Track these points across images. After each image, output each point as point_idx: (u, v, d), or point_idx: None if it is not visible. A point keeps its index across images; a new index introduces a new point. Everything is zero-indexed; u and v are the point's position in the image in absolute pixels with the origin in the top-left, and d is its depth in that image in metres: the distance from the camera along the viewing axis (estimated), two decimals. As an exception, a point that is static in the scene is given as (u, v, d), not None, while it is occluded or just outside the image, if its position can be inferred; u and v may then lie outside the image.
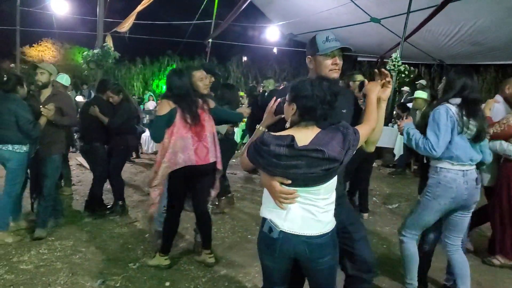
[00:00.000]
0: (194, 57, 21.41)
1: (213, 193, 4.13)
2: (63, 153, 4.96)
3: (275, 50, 20.21)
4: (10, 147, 4.49)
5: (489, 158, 3.42)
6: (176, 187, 3.91)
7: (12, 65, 17.25)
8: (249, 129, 8.92)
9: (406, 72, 9.47)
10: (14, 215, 4.85)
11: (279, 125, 2.25)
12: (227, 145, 5.60)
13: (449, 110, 3.08)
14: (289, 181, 2.06)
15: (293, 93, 2.14)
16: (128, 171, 8.42)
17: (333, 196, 2.21)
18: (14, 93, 4.55)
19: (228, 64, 21.36)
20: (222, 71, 19.86)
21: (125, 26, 12.25)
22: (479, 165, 3.33)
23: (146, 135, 10.94)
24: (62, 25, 15.95)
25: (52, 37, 16.49)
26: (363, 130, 2.23)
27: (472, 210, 3.31)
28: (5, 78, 4.66)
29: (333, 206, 2.22)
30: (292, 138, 2.02)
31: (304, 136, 2.07)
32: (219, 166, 4.00)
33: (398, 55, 9.40)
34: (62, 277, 3.83)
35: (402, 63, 9.56)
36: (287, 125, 2.17)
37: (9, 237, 4.65)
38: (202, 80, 4.03)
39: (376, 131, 2.40)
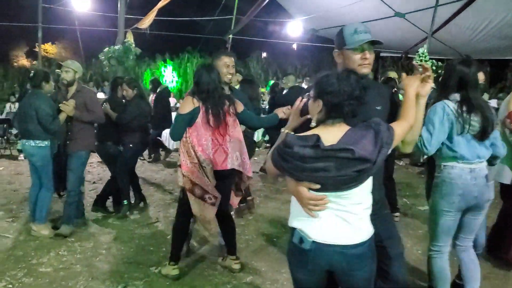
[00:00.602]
0: (214, 53, 21.28)
1: (236, 199, 3.95)
2: (90, 150, 4.87)
3: (294, 46, 20.00)
4: (32, 142, 4.55)
5: (502, 151, 3.12)
6: (186, 192, 3.63)
7: (35, 62, 17.43)
8: (267, 127, 8.75)
9: (434, 68, 9.13)
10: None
11: (307, 126, 2.03)
12: (245, 143, 5.47)
13: (446, 107, 2.84)
14: (318, 186, 1.87)
15: (318, 89, 1.94)
16: (148, 169, 8.33)
17: (368, 201, 2.00)
18: (39, 89, 4.61)
19: (248, 60, 21.16)
20: (242, 67, 19.69)
21: (146, 22, 12.11)
22: (493, 160, 3.07)
23: (167, 132, 10.86)
24: (82, 22, 15.96)
25: (73, 34, 16.48)
26: (399, 127, 2.01)
27: (485, 210, 3.05)
28: (31, 74, 4.71)
29: (369, 212, 2.01)
30: (318, 138, 1.83)
31: (332, 135, 1.88)
32: (249, 173, 3.76)
33: (425, 50, 9.08)
34: (81, 281, 3.69)
35: (429, 59, 9.24)
36: (313, 124, 1.98)
37: (46, 229, 4.68)
38: (227, 66, 3.77)
39: (414, 130, 2.18)
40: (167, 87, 10.78)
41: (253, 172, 7.59)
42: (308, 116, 2.05)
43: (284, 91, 7.66)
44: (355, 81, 1.89)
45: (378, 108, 2.24)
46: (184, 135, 3.54)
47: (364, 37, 2.15)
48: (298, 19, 15.67)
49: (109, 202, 5.68)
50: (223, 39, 17.58)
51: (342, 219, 1.93)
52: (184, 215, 3.74)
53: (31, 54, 18.80)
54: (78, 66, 4.78)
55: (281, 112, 3.80)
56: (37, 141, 4.53)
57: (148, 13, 12.64)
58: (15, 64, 19.12)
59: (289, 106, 3.91)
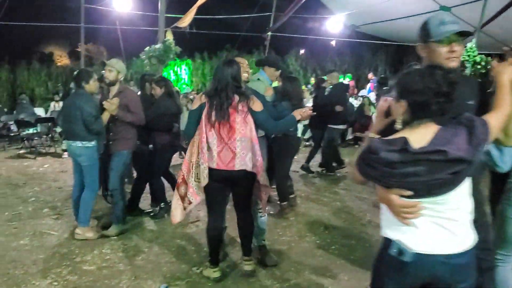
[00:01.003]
0: (252, 51, 21.20)
1: (261, 202, 3.76)
2: (132, 150, 4.83)
3: (333, 42, 19.70)
4: (79, 143, 4.52)
5: None
6: (209, 191, 3.52)
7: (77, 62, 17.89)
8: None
9: (483, 63, 8.75)
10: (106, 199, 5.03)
11: (391, 129, 1.88)
12: (288, 142, 5.30)
13: None
14: (409, 193, 1.74)
15: (401, 88, 1.81)
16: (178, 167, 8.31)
17: (469, 205, 1.85)
18: (83, 88, 4.58)
19: (287, 57, 20.97)
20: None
21: (185, 21, 12.16)
22: None
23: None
24: (123, 21, 16.21)
25: (114, 33, 16.80)
26: (494, 119, 1.83)
27: None
28: (75, 73, 4.70)
29: (471, 217, 1.86)
30: (405, 141, 1.70)
31: (421, 136, 1.74)
32: (259, 178, 3.51)
33: (474, 45, 8.72)
34: (124, 281, 3.69)
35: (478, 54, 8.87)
36: (398, 126, 1.84)
37: (91, 232, 4.67)
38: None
39: None
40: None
41: (293, 171, 7.51)
42: (393, 118, 1.91)
43: (327, 89, 7.49)
44: (441, 77, 1.74)
45: (470, 102, 2.10)
46: (197, 132, 3.48)
47: (451, 28, 2.00)
48: (338, 15, 15.43)
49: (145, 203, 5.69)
50: (262, 36, 17.54)
51: (441, 227, 1.79)
52: (213, 213, 3.66)
53: (74, 54, 19.23)
54: (122, 66, 4.73)
55: (298, 114, 3.65)
56: (84, 142, 4.50)
57: (187, 12, 12.73)
58: (59, 63, 19.62)
59: (308, 108, 3.76)
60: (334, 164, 7.74)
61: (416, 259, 1.78)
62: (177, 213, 3.62)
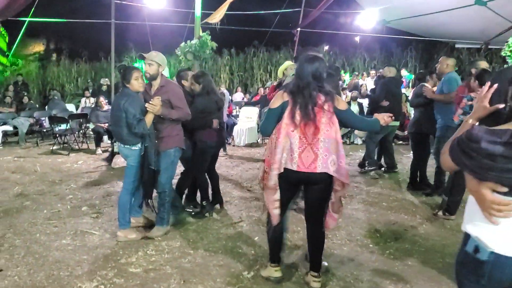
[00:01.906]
0: (280, 47, 20.97)
1: (332, 219, 3.44)
2: (180, 147, 4.61)
3: (357, 39, 19.32)
4: (127, 145, 4.34)
5: None
6: (282, 192, 3.33)
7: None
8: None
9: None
10: (133, 211, 4.71)
11: (494, 119, 1.70)
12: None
13: None
14: (505, 189, 1.57)
15: (509, 76, 1.63)
16: (224, 164, 8.18)
17: None
18: (128, 86, 4.34)
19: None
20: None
21: (217, 17, 12.03)
22: None
23: (238, 127, 10.75)
24: (152, 17, 16.17)
25: (143, 29, 16.79)
26: None
27: None
28: (121, 71, 4.47)
29: None
30: None
31: None
32: (346, 179, 3.24)
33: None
34: (173, 285, 3.52)
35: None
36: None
37: (133, 233, 4.54)
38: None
39: None
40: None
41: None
42: (500, 106, 1.72)
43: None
44: None
45: None
46: (274, 131, 3.29)
47: None
48: (368, 10, 15.10)
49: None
50: (291, 32, 17.31)
51: None
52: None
53: (101, 50, 19.26)
54: (162, 59, 4.49)
55: (382, 119, 3.46)
56: (131, 146, 4.32)
57: (218, 8, 12.59)
58: (87, 59, 19.72)
59: (392, 115, 3.54)
60: (379, 163, 7.55)
61: (494, 259, 1.64)
62: (276, 212, 3.36)
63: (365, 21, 15.46)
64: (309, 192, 3.36)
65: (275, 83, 7.85)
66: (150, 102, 4.28)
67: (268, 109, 3.34)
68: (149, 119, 4.25)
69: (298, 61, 3.38)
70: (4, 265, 3.90)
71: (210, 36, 7.91)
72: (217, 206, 5.50)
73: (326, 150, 3.16)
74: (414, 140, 6.30)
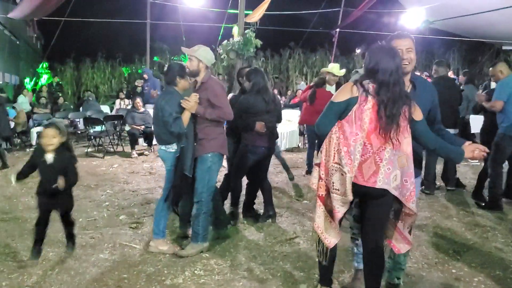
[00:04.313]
0: (317, 49, 20.39)
1: (402, 242, 2.85)
2: (220, 152, 4.09)
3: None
4: (163, 147, 3.98)
5: None
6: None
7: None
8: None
9: None
10: (180, 220, 4.37)
11: None
12: None
13: None
14: None
15: None
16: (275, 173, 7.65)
17: None
18: (173, 85, 3.98)
19: (354, 55, 19.99)
20: (345, 63, 18.58)
21: (256, 16, 11.55)
22: None
23: (278, 130, 10.17)
24: (187, 17, 15.92)
25: (177, 30, 16.55)
26: None
27: None
28: (165, 69, 4.10)
29: None
30: None
31: None
32: (408, 202, 2.69)
33: None
34: (229, 315, 3.02)
35: None
36: None
37: (165, 245, 4.08)
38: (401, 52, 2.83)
39: None
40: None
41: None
42: None
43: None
44: None
45: None
46: (333, 128, 2.73)
47: None
48: (411, 10, 14.45)
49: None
50: (330, 33, 16.73)
51: None
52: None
53: (134, 51, 19.12)
54: (203, 54, 4.01)
55: (470, 152, 2.79)
56: (167, 146, 3.95)
57: (257, 6, 12.13)
58: (121, 60, 19.61)
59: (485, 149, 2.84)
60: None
61: None
62: (330, 234, 2.85)
63: (409, 21, 14.78)
64: (365, 206, 2.83)
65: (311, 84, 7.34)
66: (185, 98, 3.85)
67: (330, 102, 2.79)
68: (185, 117, 3.84)
69: (372, 51, 2.74)
70: (36, 283, 3.48)
71: (254, 34, 7.42)
72: (270, 220, 4.97)
73: (391, 163, 2.63)
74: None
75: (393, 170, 2.63)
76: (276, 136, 4.99)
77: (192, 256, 3.94)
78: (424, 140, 2.78)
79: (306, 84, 18.93)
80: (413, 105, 2.68)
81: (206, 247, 4.10)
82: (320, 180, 2.79)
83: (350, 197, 2.63)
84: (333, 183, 2.68)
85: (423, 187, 6.17)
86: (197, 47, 4.05)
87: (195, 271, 3.67)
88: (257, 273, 3.64)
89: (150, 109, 11.08)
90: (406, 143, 2.66)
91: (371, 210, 2.80)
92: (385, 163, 2.62)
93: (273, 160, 8.53)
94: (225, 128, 4.36)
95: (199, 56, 3.99)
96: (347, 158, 2.62)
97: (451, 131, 5.79)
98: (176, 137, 3.86)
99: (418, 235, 4.45)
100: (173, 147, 3.93)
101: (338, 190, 2.67)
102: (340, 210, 2.70)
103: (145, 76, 11.64)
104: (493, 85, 13.13)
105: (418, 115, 2.71)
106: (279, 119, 5.00)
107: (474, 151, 2.79)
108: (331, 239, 2.83)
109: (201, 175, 4.01)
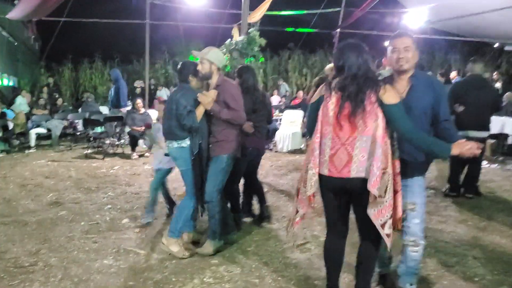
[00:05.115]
0: (316, 50, 20.24)
1: (386, 238, 2.66)
2: (234, 154, 4.02)
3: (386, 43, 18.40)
4: (175, 143, 3.94)
5: None
6: (325, 203, 2.90)
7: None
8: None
9: None
10: (185, 225, 4.12)
11: None
12: None
13: None
14: None
15: None
16: (271, 173, 7.51)
17: None
18: (186, 83, 4.01)
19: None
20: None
21: (257, 15, 11.39)
22: None
23: (281, 132, 10.06)
24: (186, 18, 15.74)
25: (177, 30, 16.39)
26: None
27: None
28: (179, 66, 4.05)
29: None
30: None
31: None
32: (372, 187, 2.56)
33: None
34: (243, 326, 2.86)
35: None
36: None
37: (176, 246, 3.97)
38: (397, 51, 2.84)
39: None
40: None
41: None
42: None
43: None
44: None
45: None
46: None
47: None
48: (412, 11, 14.35)
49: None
50: (331, 33, 16.58)
51: None
52: (330, 230, 2.99)
53: (133, 52, 18.94)
54: (215, 56, 3.95)
55: (457, 148, 2.60)
56: (179, 141, 3.90)
57: (258, 6, 11.97)
58: (120, 61, 19.42)
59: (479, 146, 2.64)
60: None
61: None
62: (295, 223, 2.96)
63: (411, 21, 14.67)
64: (354, 202, 2.82)
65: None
66: (203, 92, 3.85)
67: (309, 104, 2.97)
68: (200, 111, 3.87)
69: (339, 49, 2.84)
70: (38, 292, 3.32)
71: (259, 32, 7.26)
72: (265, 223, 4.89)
73: (364, 151, 2.62)
74: None
75: (368, 157, 2.60)
76: (264, 137, 4.88)
77: (200, 263, 3.79)
78: (398, 126, 2.64)
79: (305, 84, 18.89)
80: (382, 88, 2.62)
81: (222, 245, 4.11)
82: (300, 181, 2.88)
83: (311, 191, 2.71)
84: (305, 180, 2.77)
85: (446, 190, 6.05)
86: (207, 49, 3.99)
87: (204, 279, 3.52)
88: (269, 281, 3.48)
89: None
90: (375, 127, 2.60)
91: (357, 204, 2.78)
92: (358, 152, 2.61)
93: (277, 163, 8.43)
94: None
95: (211, 58, 3.91)
96: (311, 154, 2.73)
97: (477, 133, 5.57)
98: (188, 130, 3.84)
99: (434, 239, 4.29)
100: (185, 142, 3.90)
101: (305, 187, 2.77)
102: (306, 205, 2.83)
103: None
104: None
105: (389, 98, 2.62)
106: (269, 120, 4.97)
107: (464, 147, 2.60)
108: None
109: (215, 175, 3.95)
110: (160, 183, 4.93)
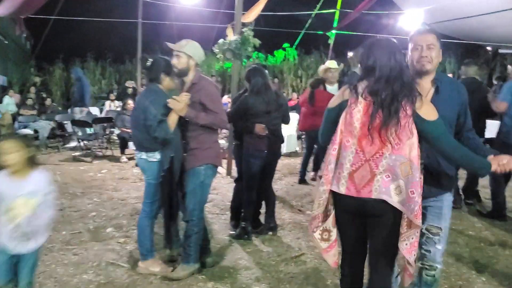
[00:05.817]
0: (311, 51, 20.05)
1: (408, 266, 2.32)
2: (214, 164, 3.59)
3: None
4: (144, 155, 3.47)
5: None
6: (340, 227, 2.48)
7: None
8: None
9: None
10: (167, 242, 3.77)
11: None
12: None
13: None
14: None
15: None
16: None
17: None
18: (157, 83, 3.48)
19: (348, 58, 19.66)
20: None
21: (251, 15, 11.11)
22: None
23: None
24: (179, 17, 15.51)
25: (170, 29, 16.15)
26: None
27: None
28: (148, 63, 3.56)
29: None
30: None
31: None
32: (415, 218, 2.21)
33: None
34: None
35: None
36: None
37: (156, 265, 3.63)
38: (419, 49, 2.51)
39: None
40: None
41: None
42: None
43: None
44: None
45: None
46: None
47: None
48: (408, 12, 14.22)
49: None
50: (327, 35, 16.38)
51: None
52: (346, 256, 2.56)
53: (125, 52, 18.66)
54: (194, 50, 3.47)
55: (496, 164, 2.34)
56: (149, 154, 3.45)
57: (252, 6, 11.72)
58: (112, 61, 19.14)
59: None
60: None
61: None
62: (329, 255, 2.51)
63: (408, 23, 14.50)
64: (370, 227, 2.40)
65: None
66: (173, 97, 3.32)
67: (326, 108, 2.50)
68: (172, 120, 3.33)
69: (368, 46, 2.37)
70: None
71: (253, 32, 7.00)
72: (270, 233, 4.60)
73: (390, 171, 2.23)
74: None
75: (395, 179, 2.22)
76: (281, 139, 4.57)
77: (186, 279, 3.51)
78: (441, 145, 2.29)
79: (300, 86, 18.67)
80: (419, 100, 2.25)
81: (197, 268, 3.64)
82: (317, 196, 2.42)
83: (318, 211, 2.38)
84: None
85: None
86: (185, 42, 3.51)
87: (192, 297, 3.25)
88: (262, 298, 3.23)
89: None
90: (409, 146, 2.22)
91: (375, 230, 2.37)
92: (383, 170, 2.23)
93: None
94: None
95: (189, 52, 3.44)
96: (325, 168, 2.36)
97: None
98: (160, 143, 3.37)
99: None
100: (155, 156, 3.44)
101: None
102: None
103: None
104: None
105: (428, 113, 2.25)
106: (285, 120, 4.66)
107: (502, 163, 2.34)
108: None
109: (193, 191, 3.52)
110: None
